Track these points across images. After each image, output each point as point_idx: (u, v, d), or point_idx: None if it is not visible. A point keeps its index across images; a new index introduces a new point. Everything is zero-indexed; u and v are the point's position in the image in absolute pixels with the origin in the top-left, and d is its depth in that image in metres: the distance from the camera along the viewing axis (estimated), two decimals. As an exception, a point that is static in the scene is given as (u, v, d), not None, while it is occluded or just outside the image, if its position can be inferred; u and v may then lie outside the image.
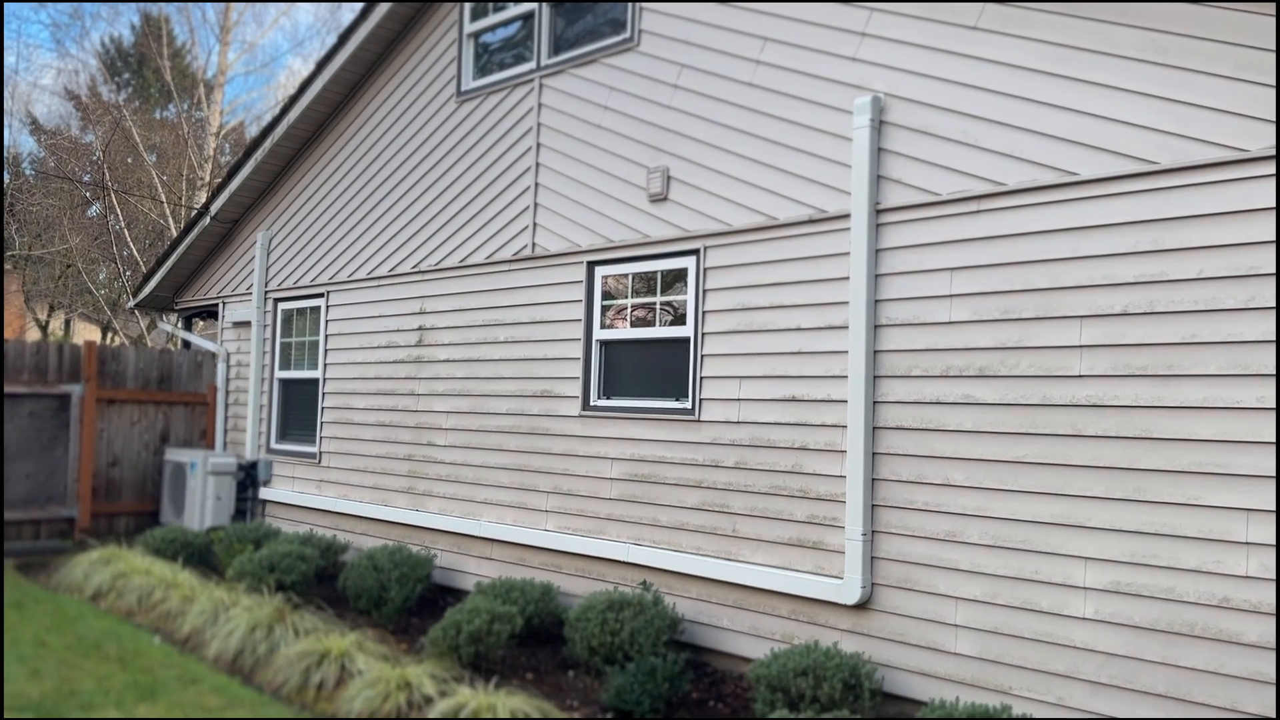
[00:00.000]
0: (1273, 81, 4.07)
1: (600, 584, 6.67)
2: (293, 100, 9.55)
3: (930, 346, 5.11)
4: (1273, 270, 4.03)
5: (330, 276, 9.41)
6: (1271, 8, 4.07)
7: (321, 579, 7.97)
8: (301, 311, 9.93)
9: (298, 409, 9.86)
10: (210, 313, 11.88)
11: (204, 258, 11.29)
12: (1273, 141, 4.05)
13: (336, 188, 9.47)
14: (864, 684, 4.79)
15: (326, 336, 9.43)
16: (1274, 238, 4.04)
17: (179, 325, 12.55)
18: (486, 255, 7.79)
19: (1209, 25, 4.25)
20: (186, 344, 12.14)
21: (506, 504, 7.44)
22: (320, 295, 9.58)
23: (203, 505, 9.80)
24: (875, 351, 5.33)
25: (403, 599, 6.92)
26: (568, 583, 6.90)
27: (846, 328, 5.44)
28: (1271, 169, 4.06)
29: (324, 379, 9.40)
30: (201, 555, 8.57)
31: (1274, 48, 4.06)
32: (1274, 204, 4.05)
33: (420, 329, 8.39)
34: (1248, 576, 4.04)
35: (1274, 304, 4.03)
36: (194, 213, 12.57)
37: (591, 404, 6.90)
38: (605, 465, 6.73)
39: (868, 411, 5.30)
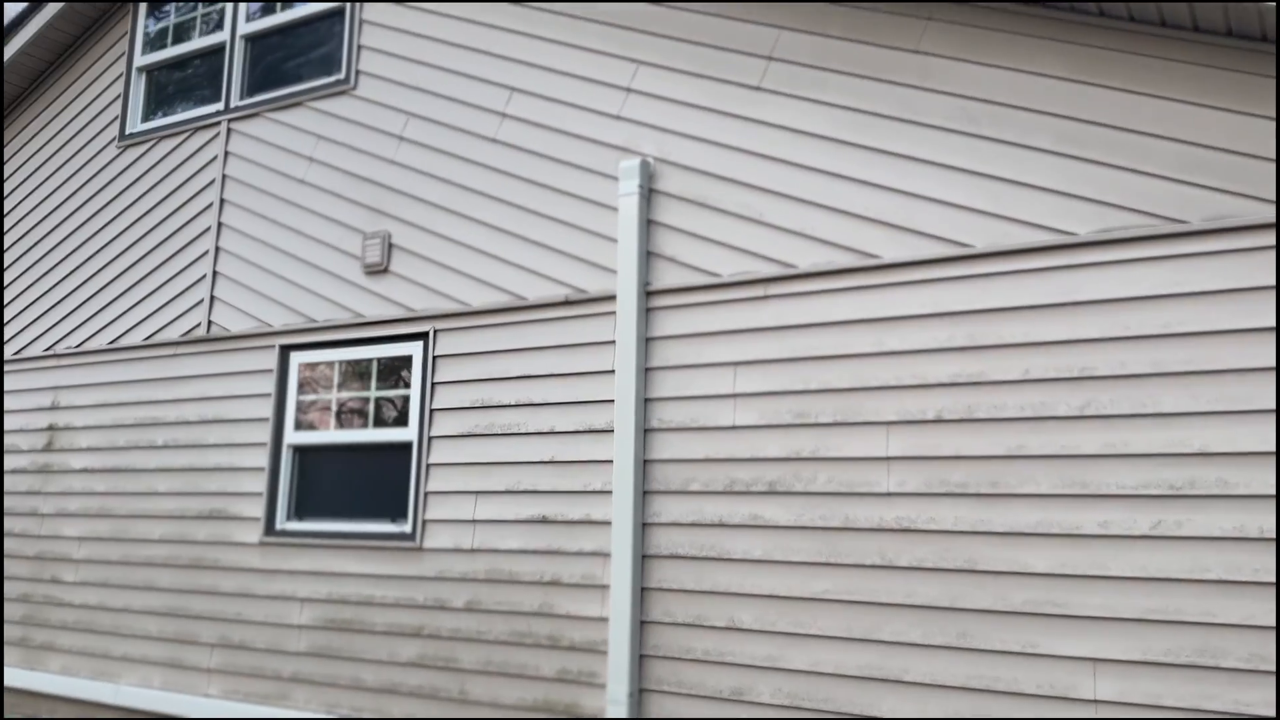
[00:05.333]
0: (1100, 158, 3.61)
1: (280, 768, 5.07)
2: (-107, 132, 7.41)
3: (711, 456, 4.21)
4: (1112, 372, 3.49)
5: (-71, 358, 7.21)
6: (1093, 73, 3.65)
7: None
8: (-114, 404, 7.54)
9: None
10: None
11: None
12: (1104, 225, 3.57)
13: (-52, 245, 7.37)
14: None
15: (-82, 437, 7.15)
16: (1110, 334, 3.51)
17: None
18: (146, 335, 6.13)
19: (1023, 93, 3.78)
20: None
21: (156, 660, 5.65)
22: (-86, 383, 7.31)
23: None
24: (646, 461, 4.35)
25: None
26: (236, 767, 5.23)
27: (611, 431, 4.44)
28: (1106, 255, 3.56)
29: (-91, 493, 7.08)
30: None
31: (1100, 120, 3.63)
32: (1108, 295, 3.54)
33: (50, 429, 6.47)
34: (1095, 739, 3.36)
35: (1111, 411, 3.47)
36: None
37: (278, 528, 5.39)
38: (293, 609, 5.22)
39: (636, 535, 4.28)
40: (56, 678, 5.99)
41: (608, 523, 4.39)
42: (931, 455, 3.75)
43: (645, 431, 4.38)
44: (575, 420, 4.58)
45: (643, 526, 4.32)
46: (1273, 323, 3.28)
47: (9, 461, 6.64)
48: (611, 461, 4.41)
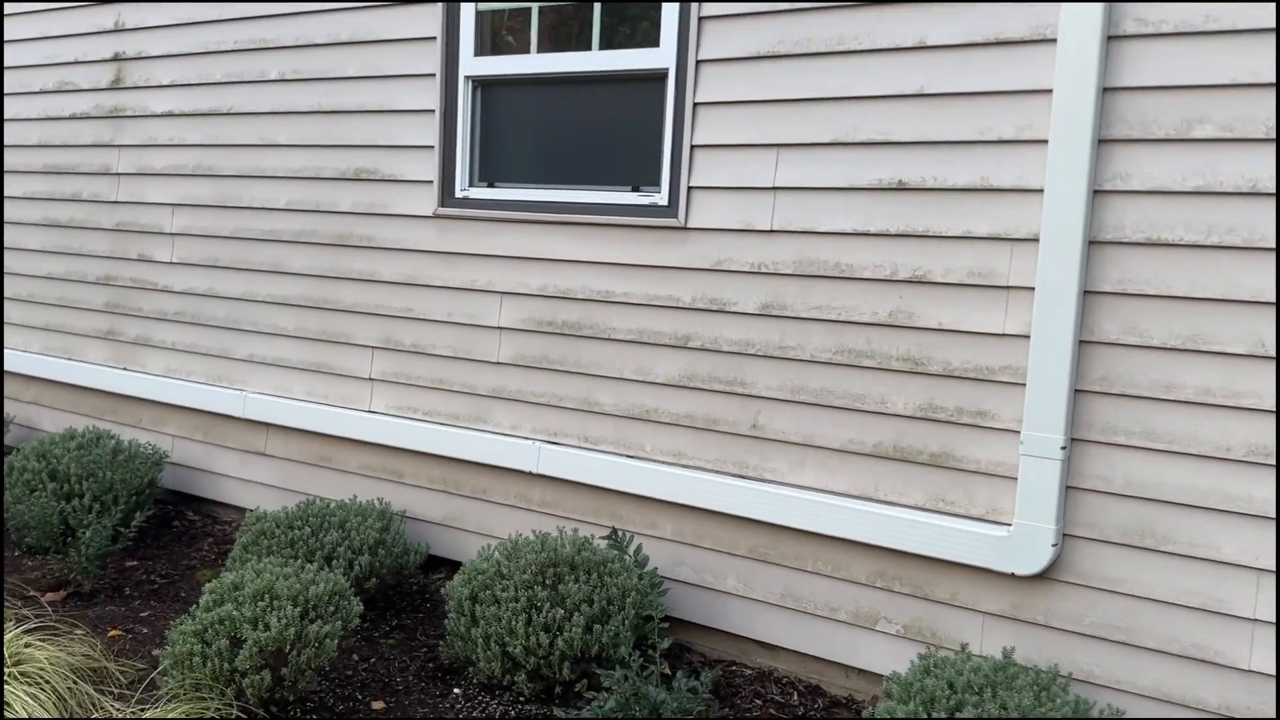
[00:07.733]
0: None
1: (482, 507, 3.86)
2: None
3: (1242, 80, 2.53)
4: None
5: (-60, -34, 5.41)
6: None
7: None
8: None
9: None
10: None
11: None
12: None
13: None
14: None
15: (-59, 73, 5.51)
16: None
17: None
18: (241, -84, 4.31)
19: None
20: None
21: (293, 364, 4.34)
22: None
23: None
24: (1105, 89, 2.69)
25: (106, 539, 3.78)
26: (417, 502, 4.03)
27: (1048, 41, 2.74)
28: None
29: (-58, 147, 5.55)
30: None
31: None
32: None
33: (117, 59, 4.81)
34: None
35: None
36: None
37: (459, 195, 3.86)
38: (489, 305, 3.79)
39: (1086, 209, 2.71)
40: (159, 380, 4.73)
41: (1021, 190, 2.81)
42: None
43: (1109, 39, 2.68)
44: (969, 25, 2.87)
45: (1093, 195, 2.73)
46: None
47: (62, 104, 5.04)
48: (1047, 92, 2.74)
